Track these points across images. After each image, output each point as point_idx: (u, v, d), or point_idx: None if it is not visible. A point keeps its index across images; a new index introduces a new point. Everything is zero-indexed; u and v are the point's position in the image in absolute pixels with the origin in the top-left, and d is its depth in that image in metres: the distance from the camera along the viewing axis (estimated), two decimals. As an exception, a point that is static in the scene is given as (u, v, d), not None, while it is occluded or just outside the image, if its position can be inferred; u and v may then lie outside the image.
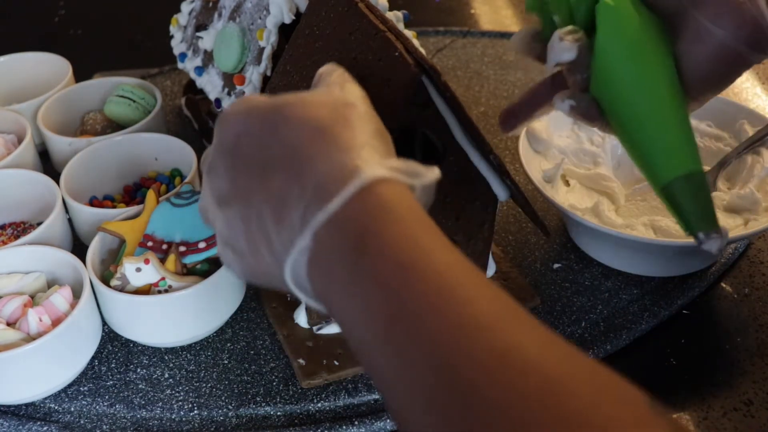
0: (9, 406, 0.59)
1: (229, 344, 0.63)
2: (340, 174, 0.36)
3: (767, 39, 0.47)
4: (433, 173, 0.39)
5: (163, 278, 0.59)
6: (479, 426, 0.29)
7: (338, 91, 0.43)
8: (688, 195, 0.48)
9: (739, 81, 0.90)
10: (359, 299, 0.34)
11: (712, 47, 0.48)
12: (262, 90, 0.68)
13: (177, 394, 0.59)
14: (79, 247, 0.69)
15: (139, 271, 0.59)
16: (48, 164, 0.80)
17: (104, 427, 0.58)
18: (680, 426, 0.29)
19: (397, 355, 0.32)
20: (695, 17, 0.48)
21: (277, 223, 0.38)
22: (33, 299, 0.62)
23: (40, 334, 0.57)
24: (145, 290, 0.59)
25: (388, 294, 0.33)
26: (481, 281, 0.34)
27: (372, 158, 0.37)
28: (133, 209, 0.66)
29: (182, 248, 0.61)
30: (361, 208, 0.35)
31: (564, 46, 0.50)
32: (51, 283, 0.64)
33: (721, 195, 0.66)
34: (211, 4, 0.77)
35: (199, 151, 0.75)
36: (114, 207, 0.71)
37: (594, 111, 0.51)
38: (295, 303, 0.63)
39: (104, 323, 0.63)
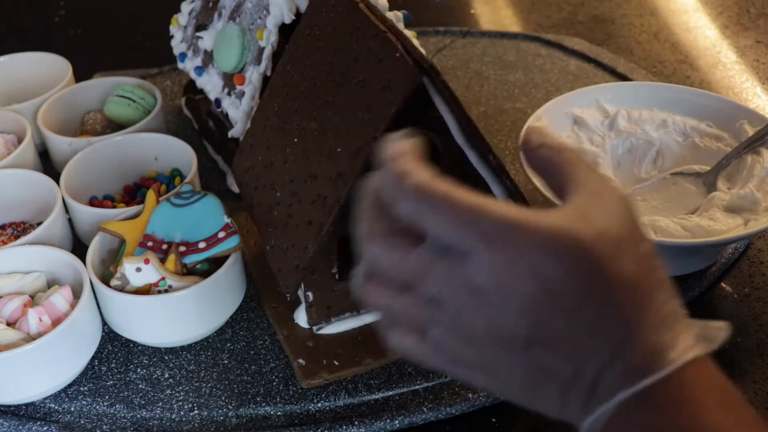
0: (9, 406, 0.59)
1: (229, 344, 0.63)
2: (653, 352, 0.36)
3: None
4: (724, 333, 0.38)
5: (163, 278, 0.59)
6: None
7: (628, 220, 0.38)
8: None
9: (739, 81, 0.91)
10: None
11: None
12: (262, 90, 0.67)
13: (177, 394, 0.59)
14: (79, 247, 0.69)
15: (139, 271, 0.59)
16: (48, 164, 0.80)
17: (104, 427, 0.58)
18: None
19: None
20: None
21: (577, 375, 0.37)
22: (33, 299, 0.62)
23: (40, 334, 0.57)
24: (145, 290, 0.59)
25: None
26: None
27: (680, 334, 0.37)
28: (133, 209, 0.66)
29: (182, 248, 0.61)
30: (669, 389, 0.36)
31: None
32: (51, 283, 0.64)
33: (721, 195, 0.66)
34: (211, 4, 0.77)
35: (199, 150, 0.75)
36: (114, 207, 0.71)
37: None
38: (295, 303, 0.63)
39: (104, 323, 0.63)
